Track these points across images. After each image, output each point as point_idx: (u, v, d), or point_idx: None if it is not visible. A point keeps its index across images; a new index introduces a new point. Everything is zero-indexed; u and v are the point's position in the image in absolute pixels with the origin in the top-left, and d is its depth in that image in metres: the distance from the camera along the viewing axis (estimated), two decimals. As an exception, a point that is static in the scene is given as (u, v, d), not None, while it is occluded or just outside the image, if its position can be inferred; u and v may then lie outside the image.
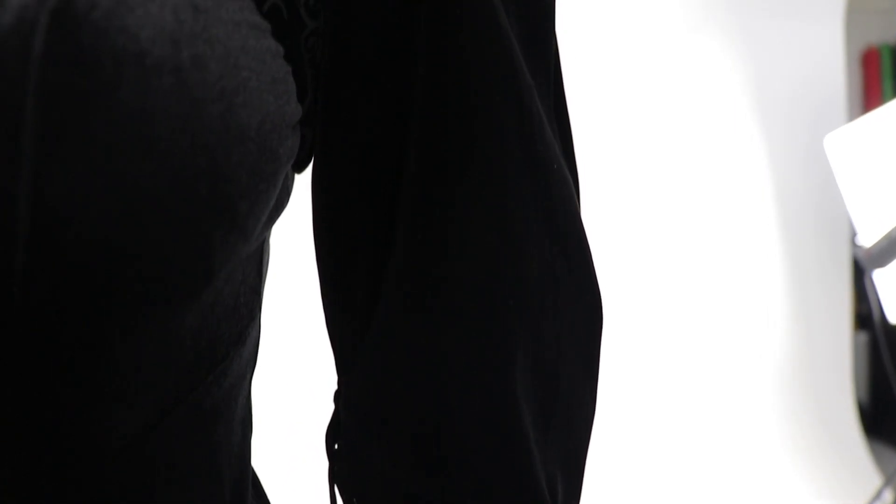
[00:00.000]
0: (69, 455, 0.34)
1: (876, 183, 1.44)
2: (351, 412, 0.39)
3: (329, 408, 0.41)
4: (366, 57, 0.37)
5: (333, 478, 0.41)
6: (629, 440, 1.72)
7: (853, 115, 1.97)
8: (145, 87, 0.30)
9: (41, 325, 0.31)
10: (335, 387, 0.41)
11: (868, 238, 1.35)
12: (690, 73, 1.80)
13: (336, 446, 0.41)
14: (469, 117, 0.36)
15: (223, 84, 0.32)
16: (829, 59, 1.88)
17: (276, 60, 0.34)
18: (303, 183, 0.41)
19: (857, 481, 1.81)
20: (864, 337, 2.09)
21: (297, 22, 0.36)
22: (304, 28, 0.37)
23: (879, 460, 1.90)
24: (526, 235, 0.37)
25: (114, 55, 0.30)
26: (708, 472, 1.76)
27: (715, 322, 1.80)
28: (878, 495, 1.64)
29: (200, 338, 0.37)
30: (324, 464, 0.41)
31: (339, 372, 0.41)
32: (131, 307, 0.32)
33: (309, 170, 0.40)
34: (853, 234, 1.81)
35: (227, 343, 0.38)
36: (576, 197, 0.40)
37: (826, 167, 1.73)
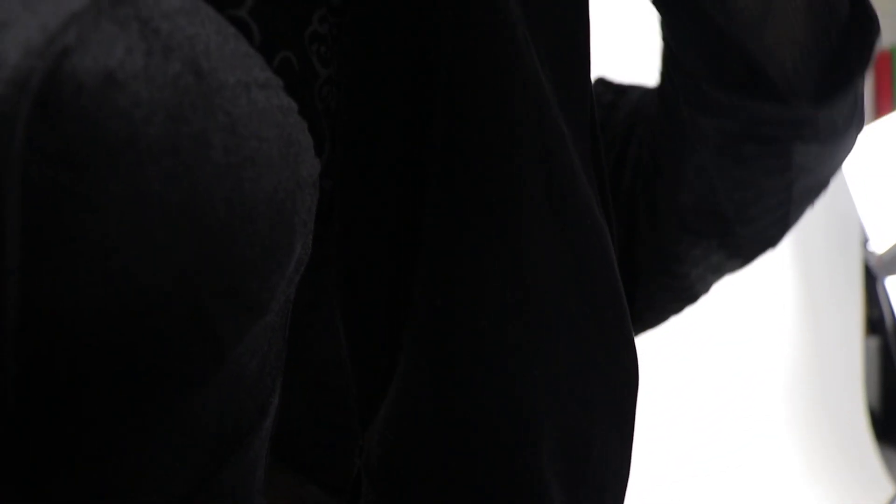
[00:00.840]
0: None
1: (887, 189, 1.43)
2: (370, 474, 0.38)
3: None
4: (383, 105, 0.35)
5: None
6: (639, 444, 1.71)
7: (866, 119, 1.95)
8: (140, 175, 0.28)
9: (39, 432, 0.29)
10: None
11: (880, 244, 1.34)
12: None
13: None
14: (489, 176, 0.35)
15: (229, 160, 0.30)
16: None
17: (288, 119, 0.32)
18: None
19: (868, 487, 1.80)
20: (875, 342, 2.08)
21: (310, 72, 0.35)
22: (317, 78, 0.35)
23: (890, 466, 1.89)
24: (552, 299, 0.35)
25: (105, 144, 0.28)
26: (718, 477, 1.75)
27: (726, 326, 1.79)
28: (891, 502, 1.63)
29: (223, 417, 0.34)
30: None
31: (360, 427, 0.39)
32: (136, 403, 0.30)
33: None
34: (865, 238, 1.80)
35: (251, 417, 0.36)
36: (611, 247, 0.38)
37: (840, 174, 1.72)
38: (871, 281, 1.81)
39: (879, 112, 2.08)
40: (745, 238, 0.53)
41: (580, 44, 0.39)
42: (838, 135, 0.51)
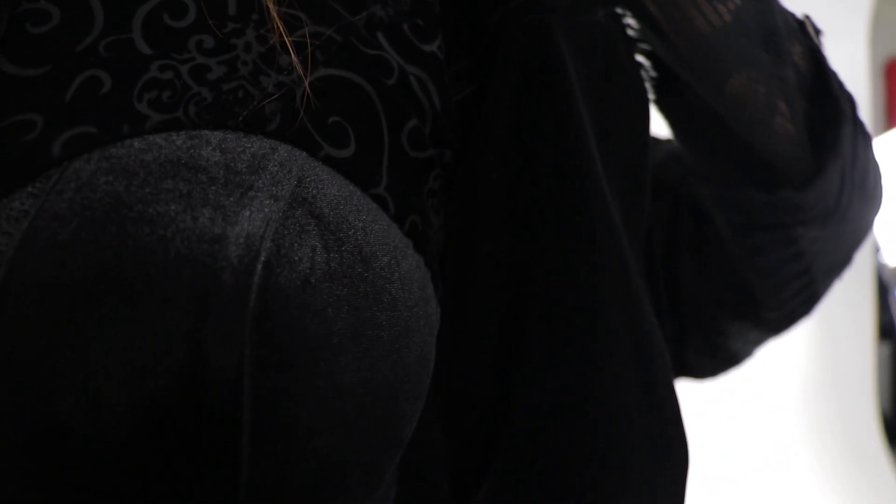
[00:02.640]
0: None
1: (899, 200, 1.45)
2: None
3: None
4: (490, 254, 0.39)
5: None
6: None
7: (877, 127, 1.97)
8: (334, 366, 0.31)
9: None
10: None
11: (892, 256, 1.36)
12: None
13: None
14: (582, 323, 0.38)
15: (392, 333, 0.33)
16: (853, 74, 1.88)
17: (418, 273, 0.35)
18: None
19: (880, 491, 1.81)
20: (887, 348, 2.09)
21: (428, 227, 0.38)
22: (432, 229, 0.38)
23: (903, 471, 1.90)
24: (628, 413, 0.39)
25: (307, 346, 0.31)
26: (730, 482, 1.77)
27: (738, 333, 1.81)
28: (902, 507, 1.64)
29: None
30: None
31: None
32: None
33: None
34: (877, 246, 1.82)
35: None
36: (669, 363, 0.42)
37: (850, 181, 1.73)
38: (883, 288, 1.83)
39: (891, 122, 2.09)
40: (778, 319, 0.57)
41: (645, 182, 0.43)
42: (837, 215, 0.52)
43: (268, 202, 0.31)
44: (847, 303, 1.88)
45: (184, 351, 0.30)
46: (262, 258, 0.31)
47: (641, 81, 0.42)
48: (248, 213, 0.31)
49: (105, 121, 0.32)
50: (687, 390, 1.74)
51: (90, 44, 0.33)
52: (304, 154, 0.33)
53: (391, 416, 0.34)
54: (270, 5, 0.34)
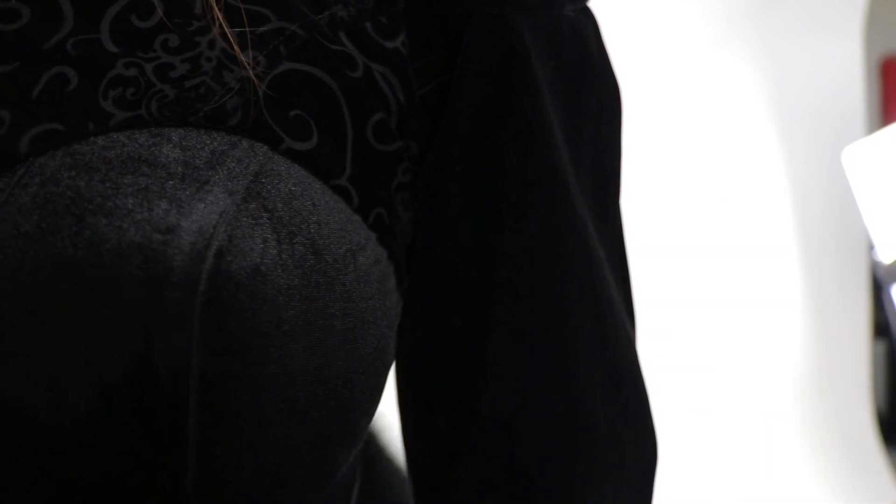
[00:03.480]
0: None
1: (894, 197, 1.45)
2: None
3: None
4: (456, 248, 0.40)
5: None
6: (648, 448, 1.73)
7: (872, 125, 1.97)
8: (286, 353, 0.33)
9: None
10: None
11: (887, 254, 1.36)
12: (711, 85, 1.81)
13: None
14: (547, 317, 0.39)
15: (346, 324, 0.34)
16: (848, 71, 1.88)
17: (379, 267, 0.36)
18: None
19: (875, 489, 1.82)
20: (883, 346, 2.09)
21: (396, 219, 0.39)
22: (400, 222, 0.39)
23: (898, 469, 1.90)
24: (594, 405, 0.40)
25: (259, 332, 0.32)
26: (725, 481, 1.77)
27: (735, 331, 1.81)
28: (897, 505, 1.64)
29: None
30: None
31: None
32: None
33: None
34: (871, 243, 1.82)
35: None
36: (637, 358, 0.42)
37: (846, 179, 1.74)
38: (878, 286, 1.83)
39: (886, 120, 2.09)
40: None
41: (616, 174, 0.43)
42: None
43: (223, 196, 0.33)
44: (842, 301, 1.88)
45: (135, 334, 0.31)
46: (214, 247, 0.32)
47: (614, 75, 0.43)
48: (202, 206, 0.32)
49: (71, 118, 0.33)
50: (682, 386, 1.76)
51: (58, 42, 0.34)
52: (266, 148, 0.34)
53: (345, 406, 0.35)
54: (212, 1, 0.35)
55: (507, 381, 0.38)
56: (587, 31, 0.42)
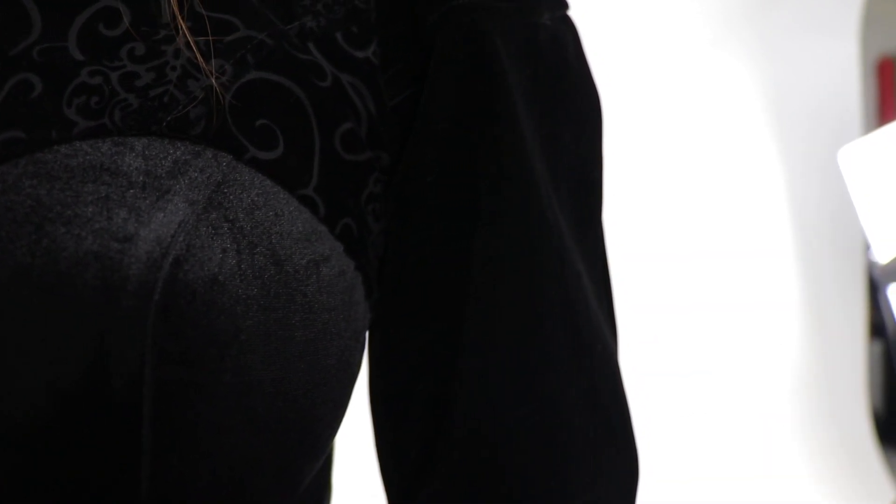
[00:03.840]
0: None
1: (890, 198, 1.45)
2: None
3: None
4: (427, 258, 0.39)
5: None
6: (647, 450, 1.73)
7: (869, 125, 1.97)
8: (243, 363, 0.32)
9: None
10: None
11: (883, 253, 1.36)
12: (709, 86, 1.81)
13: None
14: (517, 328, 0.38)
15: (307, 335, 0.34)
16: (845, 72, 1.88)
17: (345, 278, 0.36)
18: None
19: (871, 490, 1.82)
20: (879, 346, 2.09)
21: (366, 230, 0.38)
22: (371, 233, 0.38)
23: (893, 469, 1.90)
24: (569, 418, 0.39)
25: (215, 341, 0.32)
26: (722, 481, 1.77)
27: (732, 331, 1.81)
28: (893, 505, 1.65)
29: None
30: None
31: None
32: None
33: None
34: (867, 244, 1.82)
35: None
36: (619, 370, 0.41)
37: (843, 179, 1.74)
38: (874, 286, 1.83)
39: (882, 120, 2.09)
40: None
41: (597, 183, 0.42)
42: None
43: (183, 206, 0.33)
44: (838, 301, 1.88)
45: (89, 341, 0.31)
46: (171, 256, 0.32)
47: (593, 84, 0.42)
48: (161, 216, 0.32)
49: (34, 126, 0.33)
50: (679, 388, 1.75)
51: (24, 48, 0.34)
52: (230, 157, 0.34)
53: (307, 418, 0.35)
54: (176, 10, 0.35)
55: (478, 393, 0.38)
56: (565, 40, 0.41)
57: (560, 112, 0.40)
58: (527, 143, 0.39)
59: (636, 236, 1.76)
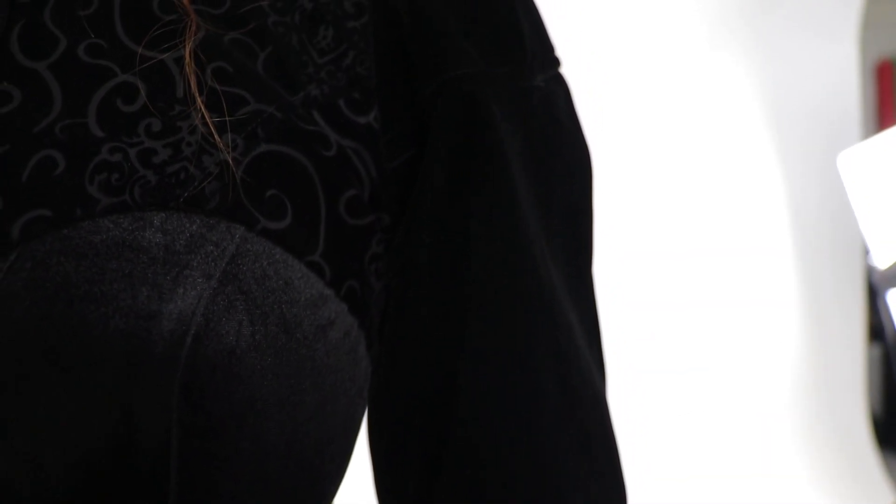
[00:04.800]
0: None
1: (889, 202, 1.46)
2: None
3: None
4: (424, 315, 0.40)
5: None
6: (645, 447, 1.73)
7: (868, 127, 1.98)
8: (259, 431, 0.34)
9: None
10: None
11: (882, 259, 1.37)
12: (707, 87, 1.81)
13: None
14: (510, 385, 0.39)
15: (316, 398, 0.35)
16: (844, 74, 1.89)
17: (349, 338, 0.37)
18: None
19: (870, 492, 1.82)
20: (877, 350, 2.10)
21: (369, 290, 0.39)
22: (373, 292, 0.40)
23: (892, 471, 1.91)
24: (562, 464, 0.40)
25: (233, 413, 0.33)
26: (721, 482, 1.78)
27: (731, 334, 1.82)
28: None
29: None
30: None
31: None
32: None
33: None
34: (866, 248, 1.83)
35: None
36: (608, 415, 0.42)
37: (842, 182, 1.75)
38: (873, 290, 1.84)
39: (881, 122, 2.10)
40: None
41: (587, 234, 0.44)
42: None
43: (200, 280, 0.34)
44: (837, 305, 1.89)
45: (117, 417, 0.32)
46: (192, 332, 0.33)
47: (584, 140, 0.43)
48: (181, 291, 0.33)
49: (60, 204, 0.34)
50: (679, 389, 1.75)
51: (47, 126, 0.35)
52: (243, 229, 0.35)
53: (315, 475, 0.36)
54: (194, 87, 0.36)
55: (472, 438, 0.38)
56: (557, 99, 0.42)
57: (552, 169, 0.42)
58: (521, 204, 0.40)
59: (634, 239, 1.77)
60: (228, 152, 0.35)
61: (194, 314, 0.33)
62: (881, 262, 1.33)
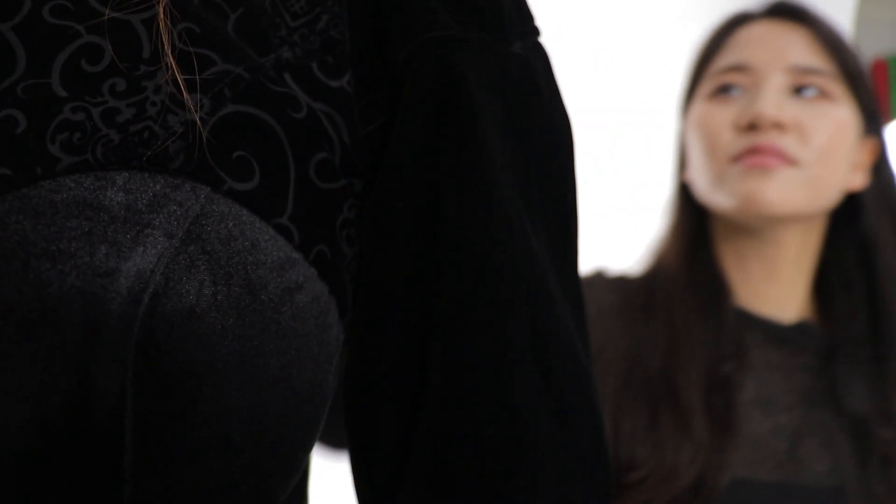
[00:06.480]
0: None
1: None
2: None
3: None
4: (396, 282, 0.40)
5: None
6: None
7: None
8: (219, 392, 0.33)
9: None
10: None
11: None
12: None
13: None
14: (484, 352, 0.38)
15: (281, 362, 0.35)
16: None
17: (318, 303, 0.37)
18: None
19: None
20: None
21: (339, 256, 0.39)
22: (344, 259, 0.39)
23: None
24: (540, 440, 0.39)
25: (192, 372, 0.33)
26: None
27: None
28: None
29: None
30: None
31: None
32: None
33: None
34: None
35: None
36: (592, 387, 0.41)
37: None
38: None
39: (876, 121, 2.10)
40: None
41: (570, 205, 0.43)
42: None
43: (162, 239, 0.34)
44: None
45: (72, 374, 0.32)
46: (150, 290, 0.33)
47: (563, 106, 0.43)
48: (141, 249, 0.33)
49: (20, 163, 0.34)
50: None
51: (9, 86, 0.35)
52: (208, 189, 0.35)
53: (281, 441, 0.35)
54: (167, 43, 0.36)
55: (445, 413, 0.38)
56: (535, 67, 0.42)
57: (532, 139, 0.41)
58: (496, 171, 0.39)
59: (632, 236, 1.77)
60: (197, 111, 0.35)
61: (153, 272, 0.33)
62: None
